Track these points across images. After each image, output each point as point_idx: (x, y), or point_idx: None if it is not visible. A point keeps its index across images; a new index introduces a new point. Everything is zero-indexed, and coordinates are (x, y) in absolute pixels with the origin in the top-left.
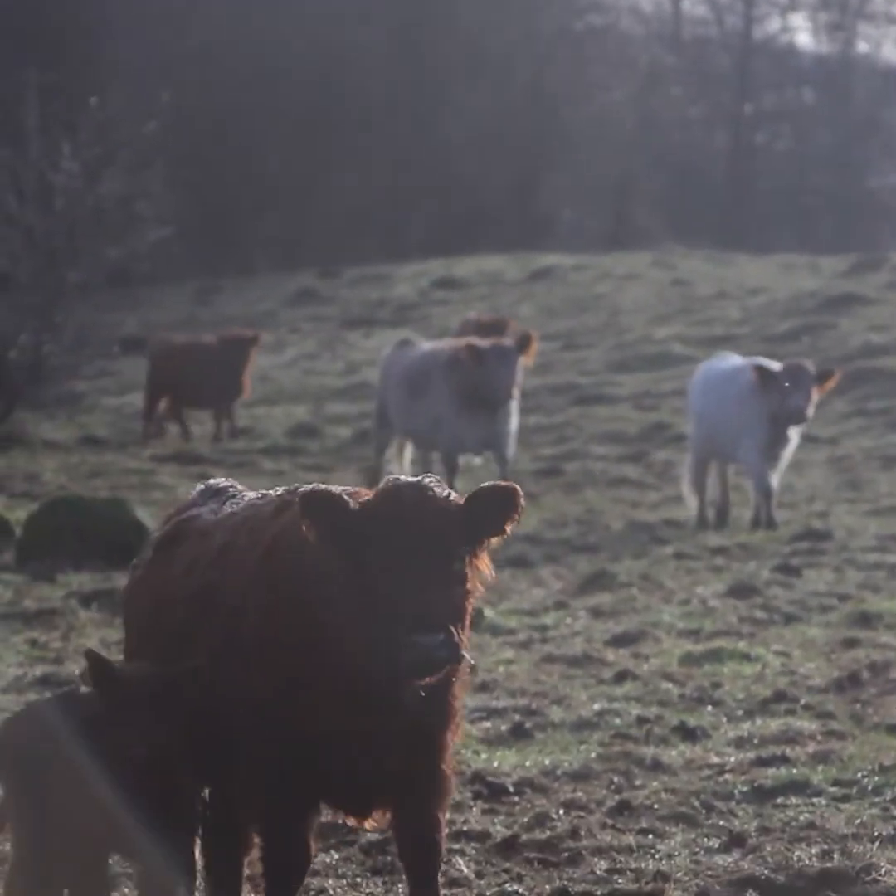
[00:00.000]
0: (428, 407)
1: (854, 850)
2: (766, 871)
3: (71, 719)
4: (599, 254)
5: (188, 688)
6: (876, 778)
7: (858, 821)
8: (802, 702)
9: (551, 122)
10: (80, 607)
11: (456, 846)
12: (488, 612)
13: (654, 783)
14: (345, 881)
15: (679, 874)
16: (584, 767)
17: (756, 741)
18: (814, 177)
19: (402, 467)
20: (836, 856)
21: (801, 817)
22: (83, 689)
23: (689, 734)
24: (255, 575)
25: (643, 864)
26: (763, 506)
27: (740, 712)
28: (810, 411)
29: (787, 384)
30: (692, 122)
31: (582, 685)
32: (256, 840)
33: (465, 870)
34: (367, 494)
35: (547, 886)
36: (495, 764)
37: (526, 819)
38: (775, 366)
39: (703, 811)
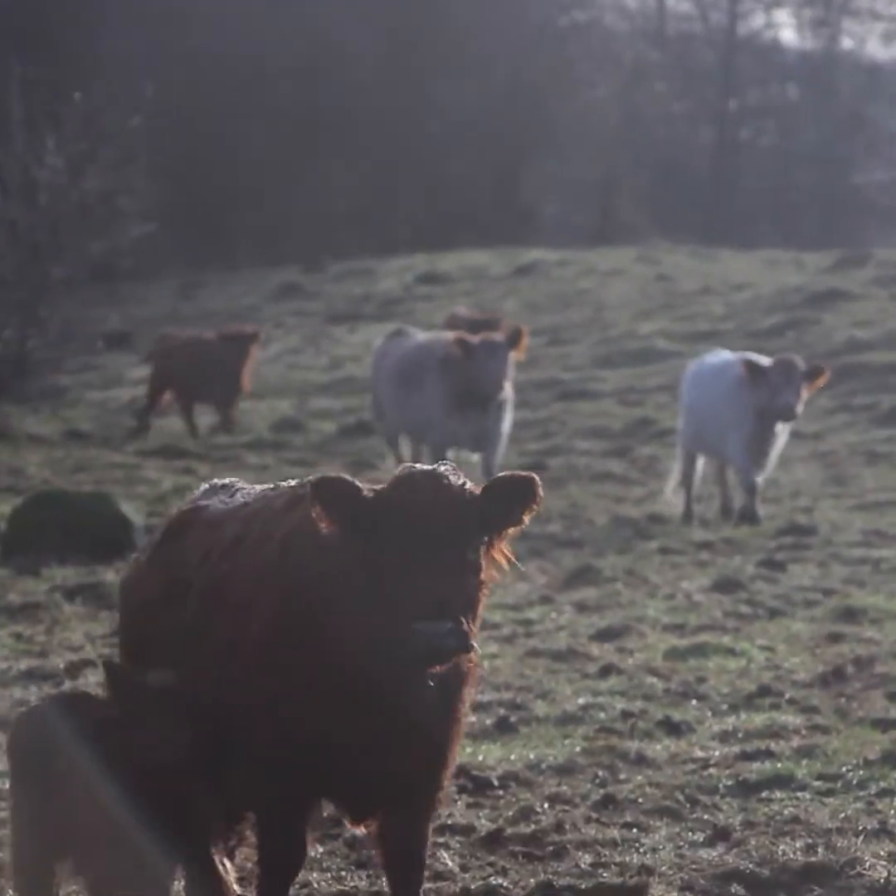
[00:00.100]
0: (419, 401)
1: (838, 845)
2: (750, 865)
3: (85, 720)
4: (584, 249)
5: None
6: (860, 772)
7: (843, 815)
8: (787, 696)
9: (536, 117)
10: (65, 601)
11: (441, 840)
12: None
13: (639, 777)
14: (329, 875)
15: (663, 868)
16: (568, 761)
17: (740, 735)
18: (798, 173)
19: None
20: (820, 850)
21: (786, 811)
22: (93, 691)
23: (673, 728)
24: (267, 570)
25: (627, 858)
26: (747, 501)
27: (725, 707)
28: (799, 408)
29: (776, 380)
30: (677, 118)
31: (567, 679)
32: (253, 834)
33: (450, 863)
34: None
35: (531, 880)
36: (480, 758)
37: (510, 813)
38: (765, 361)
39: (688, 805)
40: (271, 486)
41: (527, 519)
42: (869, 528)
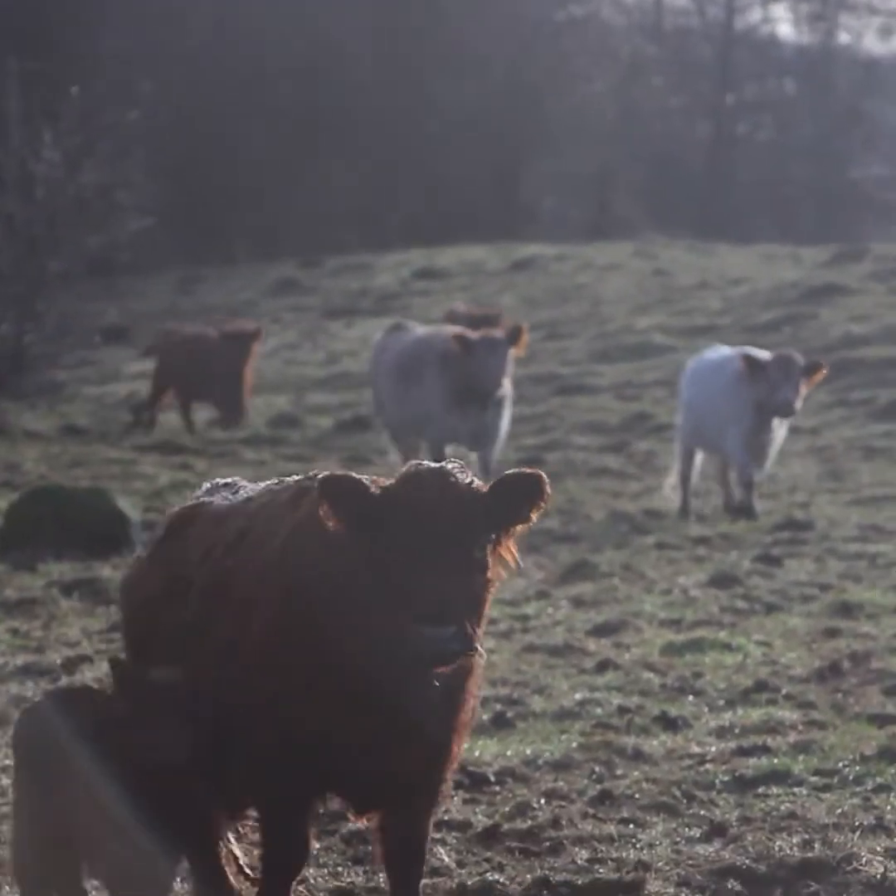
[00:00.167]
0: (419, 395)
1: (835, 840)
2: (747, 861)
3: (88, 716)
4: (581, 244)
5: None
6: (857, 767)
7: (839, 810)
8: (783, 691)
9: (533, 112)
10: (62, 596)
11: (437, 835)
12: None
13: (636, 773)
14: (326, 870)
15: (660, 864)
16: (565, 757)
17: (737, 731)
18: (795, 167)
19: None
20: (817, 845)
21: (782, 807)
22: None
23: (670, 724)
24: (268, 568)
25: (624, 854)
26: (744, 496)
27: (721, 702)
28: (798, 404)
29: (775, 376)
30: (673, 113)
31: (563, 675)
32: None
33: (447, 859)
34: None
35: (528, 876)
36: (477, 753)
37: (507, 808)
38: (764, 355)
39: (684, 801)
40: (275, 480)
41: (535, 517)
42: (866, 522)
